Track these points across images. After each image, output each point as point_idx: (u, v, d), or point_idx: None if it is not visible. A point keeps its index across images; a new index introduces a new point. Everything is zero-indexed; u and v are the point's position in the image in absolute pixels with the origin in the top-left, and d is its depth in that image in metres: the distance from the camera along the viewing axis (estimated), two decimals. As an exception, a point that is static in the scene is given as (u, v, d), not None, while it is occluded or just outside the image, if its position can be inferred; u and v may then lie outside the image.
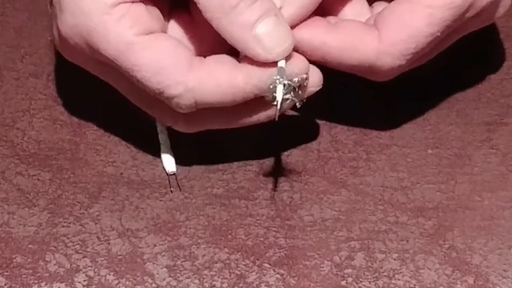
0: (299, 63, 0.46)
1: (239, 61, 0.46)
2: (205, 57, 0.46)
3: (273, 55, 0.45)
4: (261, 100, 0.46)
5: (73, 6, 0.45)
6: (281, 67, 0.45)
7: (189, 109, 0.45)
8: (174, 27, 0.48)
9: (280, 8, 0.46)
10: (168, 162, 0.50)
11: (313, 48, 0.47)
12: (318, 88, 0.47)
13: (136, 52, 0.45)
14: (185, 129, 0.48)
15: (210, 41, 0.47)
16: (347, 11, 0.49)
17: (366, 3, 0.49)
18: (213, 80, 0.45)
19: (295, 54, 0.46)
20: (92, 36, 0.45)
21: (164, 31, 0.47)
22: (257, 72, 0.45)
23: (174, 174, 0.50)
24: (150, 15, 0.46)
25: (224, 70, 0.45)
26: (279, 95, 0.45)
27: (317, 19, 0.47)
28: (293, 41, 0.46)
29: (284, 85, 0.45)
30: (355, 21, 0.48)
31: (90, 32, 0.45)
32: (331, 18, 0.48)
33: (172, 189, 0.49)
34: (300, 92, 0.46)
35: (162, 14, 0.47)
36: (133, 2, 0.45)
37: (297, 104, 0.46)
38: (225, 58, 0.46)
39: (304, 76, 0.46)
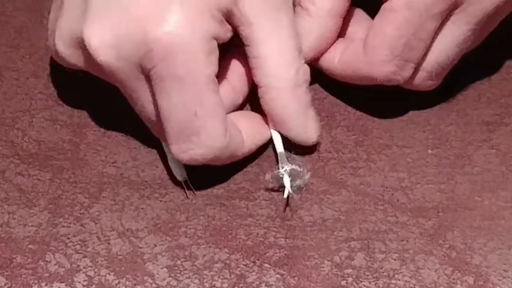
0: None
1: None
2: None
3: (313, 139, 0.50)
4: None
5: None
6: (281, 153, 0.49)
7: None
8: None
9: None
10: (178, 169, 0.49)
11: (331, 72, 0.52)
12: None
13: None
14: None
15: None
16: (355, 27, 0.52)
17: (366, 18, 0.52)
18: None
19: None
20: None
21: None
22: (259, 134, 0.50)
23: (186, 180, 0.49)
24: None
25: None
26: (287, 184, 0.48)
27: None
28: None
29: (288, 171, 0.48)
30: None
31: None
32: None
33: (188, 195, 0.49)
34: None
35: None
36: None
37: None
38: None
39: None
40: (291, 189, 0.48)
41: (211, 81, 0.45)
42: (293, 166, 0.49)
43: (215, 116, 0.45)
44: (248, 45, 0.48)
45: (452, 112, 0.53)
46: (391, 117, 0.52)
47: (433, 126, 0.52)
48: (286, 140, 0.50)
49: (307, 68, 0.49)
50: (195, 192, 0.49)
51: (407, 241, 0.48)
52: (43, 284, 0.46)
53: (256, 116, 0.50)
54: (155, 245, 0.47)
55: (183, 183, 0.49)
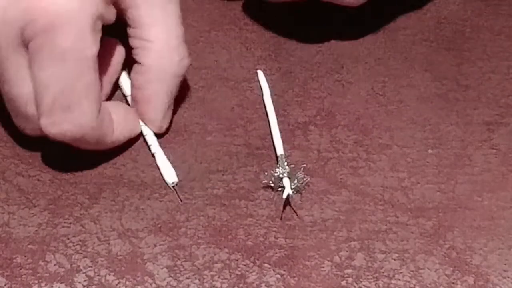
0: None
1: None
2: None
3: (163, 128, 0.51)
4: None
5: None
6: (281, 155, 0.49)
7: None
8: None
9: None
10: (169, 173, 0.49)
11: None
12: None
13: None
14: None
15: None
16: None
17: None
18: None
19: None
20: None
21: None
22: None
23: (177, 184, 0.49)
24: None
25: None
26: (287, 185, 0.48)
27: None
28: None
29: (288, 174, 0.48)
30: None
31: None
32: None
33: (181, 197, 0.49)
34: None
35: None
36: None
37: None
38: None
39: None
40: (291, 190, 0.48)
41: (94, 59, 0.46)
42: (293, 167, 0.49)
43: (92, 95, 0.46)
44: (134, 27, 0.49)
45: (452, 112, 0.53)
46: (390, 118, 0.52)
47: (433, 126, 0.52)
48: (285, 142, 0.50)
49: (188, 62, 0.50)
50: (193, 195, 0.49)
51: (407, 241, 0.48)
52: (43, 284, 0.46)
53: (130, 110, 0.51)
54: (155, 245, 0.47)
55: (174, 187, 0.49)
